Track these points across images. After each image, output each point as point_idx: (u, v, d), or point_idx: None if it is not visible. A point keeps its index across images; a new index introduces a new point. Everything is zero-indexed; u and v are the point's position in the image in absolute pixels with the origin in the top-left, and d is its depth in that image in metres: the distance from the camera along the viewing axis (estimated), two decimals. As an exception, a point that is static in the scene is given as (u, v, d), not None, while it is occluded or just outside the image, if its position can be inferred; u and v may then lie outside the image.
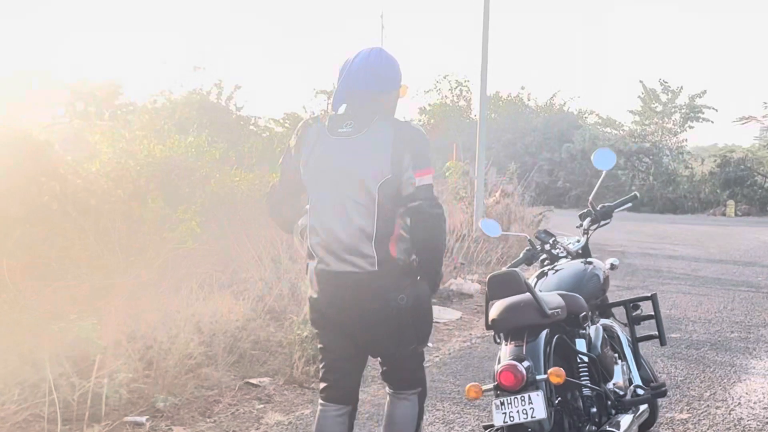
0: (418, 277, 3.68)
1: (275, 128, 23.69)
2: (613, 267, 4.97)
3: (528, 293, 3.82)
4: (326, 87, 30.10)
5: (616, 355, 4.62)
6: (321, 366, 3.87)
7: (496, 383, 3.67)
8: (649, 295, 4.91)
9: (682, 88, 35.46)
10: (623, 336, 4.82)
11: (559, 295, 4.14)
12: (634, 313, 4.85)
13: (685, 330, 8.52)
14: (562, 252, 4.90)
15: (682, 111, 35.30)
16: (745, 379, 6.59)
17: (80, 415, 5.03)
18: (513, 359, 3.69)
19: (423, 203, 3.55)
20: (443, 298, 10.18)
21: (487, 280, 3.93)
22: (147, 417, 5.35)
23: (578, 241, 4.97)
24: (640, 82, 36.28)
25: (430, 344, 7.51)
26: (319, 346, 3.87)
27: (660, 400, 5.19)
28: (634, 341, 4.78)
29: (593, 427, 4.03)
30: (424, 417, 4.25)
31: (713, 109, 35.08)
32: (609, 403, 4.20)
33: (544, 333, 3.89)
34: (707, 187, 32.73)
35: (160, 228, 7.30)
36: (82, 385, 5.11)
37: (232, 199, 9.64)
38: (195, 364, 6.06)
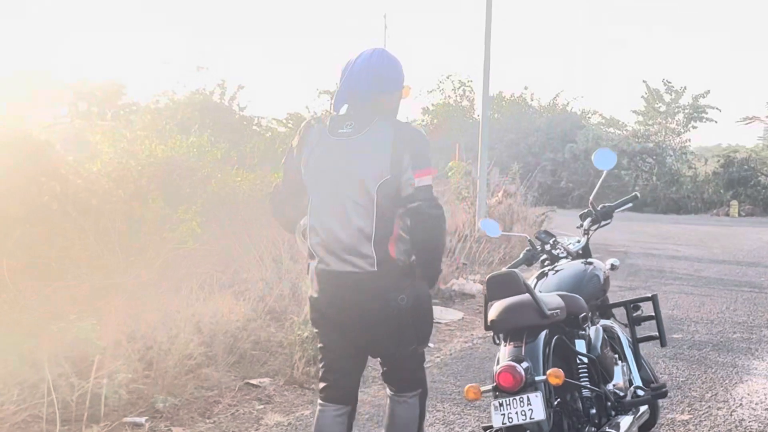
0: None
1: (278, 128, 23.66)
2: (613, 267, 4.95)
3: (527, 294, 3.81)
4: (329, 87, 30.13)
5: (617, 356, 4.60)
6: (321, 366, 3.87)
7: (494, 384, 3.65)
8: (650, 295, 4.88)
9: (685, 88, 35.40)
10: (624, 337, 4.80)
11: (559, 295, 4.12)
12: (634, 314, 4.83)
13: (687, 330, 8.49)
14: (562, 252, 4.88)
15: (686, 111, 35.22)
16: (747, 380, 6.57)
17: (79, 416, 5.02)
18: (512, 360, 3.67)
19: (422, 204, 3.55)
20: (445, 298, 10.17)
21: (486, 280, 3.92)
22: (146, 418, 5.34)
23: (578, 241, 4.95)
24: (644, 82, 36.25)
25: (431, 345, 7.49)
26: (319, 345, 3.87)
27: (661, 401, 5.17)
28: (635, 342, 4.76)
29: (593, 429, 4.02)
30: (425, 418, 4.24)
31: (717, 109, 35.03)
32: (609, 404, 4.18)
33: (543, 334, 3.87)
34: (711, 188, 32.64)
35: (160, 228, 7.29)
36: (81, 386, 5.09)
37: (234, 199, 9.63)
38: (195, 365, 6.05)
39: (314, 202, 3.72)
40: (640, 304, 4.92)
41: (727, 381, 6.53)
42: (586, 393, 4.03)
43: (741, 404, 5.93)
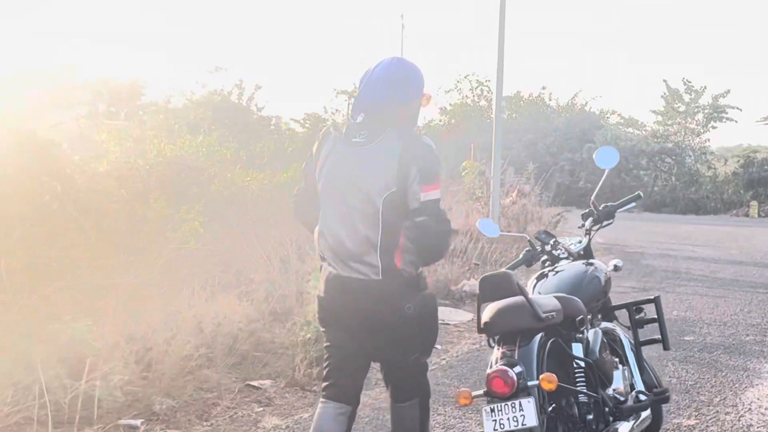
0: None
1: (296, 128, 23.64)
2: (616, 268, 4.82)
3: (521, 296, 3.71)
4: (347, 87, 30.09)
5: (617, 359, 4.48)
6: (325, 365, 3.88)
7: (486, 389, 3.56)
8: (653, 297, 4.76)
9: (705, 87, 35.07)
10: (626, 340, 4.67)
11: (556, 297, 4.01)
12: (637, 316, 4.70)
13: (699, 333, 8.35)
14: (563, 253, 4.77)
15: (705, 111, 34.94)
16: (757, 384, 6.43)
17: (72, 418, 4.96)
18: (504, 364, 3.58)
19: (428, 219, 3.59)
20: (455, 299, 10.08)
21: (478, 281, 3.83)
22: (142, 420, 5.27)
23: (580, 241, 4.84)
24: (664, 81, 35.95)
25: (438, 346, 7.41)
26: (326, 344, 3.89)
27: (667, 405, 5.06)
28: (637, 345, 4.64)
29: (589, 435, 3.91)
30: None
31: (737, 108, 34.72)
32: (607, 409, 4.06)
33: (538, 337, 3.77)
34: (730, 188, 32.37)
35: (163, 228, 7.25)
36: (74, 387, 5.03)
37: (242, 199, 9.59)
38: (195, 366, 5.98)
39: (324, 209, 3.77)
40: (643, 306, 4.79)
41: (737, 385, 6.39)
42: (582, 398, 3.91)
43: (750, 409, 5.79)
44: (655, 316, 4.69)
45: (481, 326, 3.80)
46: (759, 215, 29.42)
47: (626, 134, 36.57)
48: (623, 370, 4.45)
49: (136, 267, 6.74)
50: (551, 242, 4.83)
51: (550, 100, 40.50)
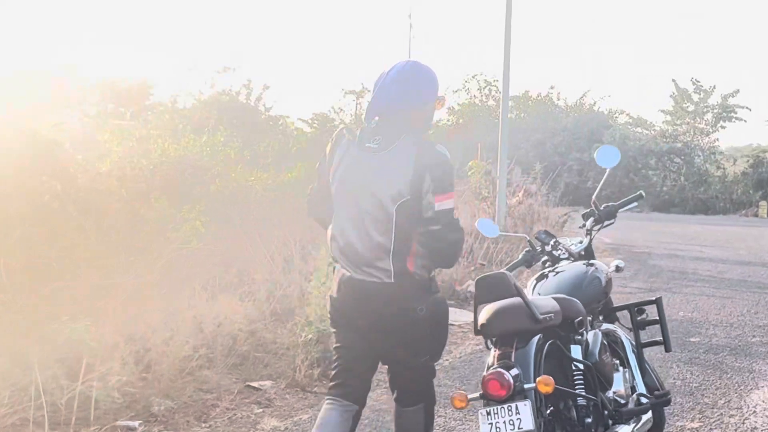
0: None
1: (303, 128, 23.63)
2: (618, 269, 4.76)
3: (518, 297, 3.65)
4: (355, 87, 30.09)
5: (618, 361, 4.42)
6: (334, 365, 3.89)
7: (482, 392, 3.51)
8: (654, 298, 4.70)
9: (714, 87, 34.92)
10: (627, 341, 4.61)
11: (555, 299, 3.95)
12: (638, 318, 4.63)
13: (705, 334, 8.28)
14: (563, 253, 4.71)
15: (715, 111, 34.80)
16: (763, 386, 6.35)
17: (69, 419, 4.93)
18: (500, 367, 3.52)
19: (442, 228, 3.60)
20: (460, 299, 10.02)
21: (474, 282, 3.78)
22: (140, 421, 5.23)
23: (581, 242, 4.78)
24: (673, 81, 35.83)
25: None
26: (336, 345, 3.90)
27: (671, 408, 5.00)
28: (639, 347, 4.57)
29: (588, 438, 3.84)
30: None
31: (747, 108, 34.57)
32: (606, 412, 4.00)
33: (535, 339, 3.72)
34: (739, 188, 32.26)
35: (163, 228, 7.22)
36: (71, 388, 5.00)
37: (246, 199, 9.56)
38: (195, 367, 5.95)
39: (337, 212, 3.77)
40: (645, 307, 4.72)
41: (742, 387, 6.32)
42: (581, 401, 3.85)
43: (755, 411, 5.72)
44: (657, 318, 4.63)
45: (478, 328, 3.75)
46: (768, 215, 29.32)
47: (635, 134, 36.49)
48: (624, 373, 4.39)
49: (136, 267, 6.70)
50: (551, 242, 4.77)
51: (559, 99, 40.45)
